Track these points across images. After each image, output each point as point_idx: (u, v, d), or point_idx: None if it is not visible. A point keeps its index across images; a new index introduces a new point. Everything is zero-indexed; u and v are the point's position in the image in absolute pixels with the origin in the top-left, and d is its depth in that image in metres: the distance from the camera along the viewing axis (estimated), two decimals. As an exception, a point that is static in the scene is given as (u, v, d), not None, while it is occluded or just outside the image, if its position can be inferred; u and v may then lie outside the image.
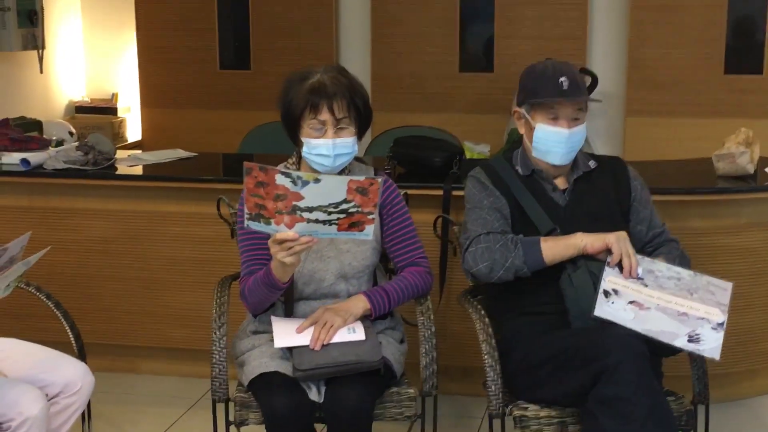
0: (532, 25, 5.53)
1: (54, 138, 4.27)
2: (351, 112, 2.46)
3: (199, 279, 3.58)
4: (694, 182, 3.46)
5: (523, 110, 2.61)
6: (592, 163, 2.65)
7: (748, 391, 3.50)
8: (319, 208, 2.17)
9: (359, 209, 2.18)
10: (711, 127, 5.16)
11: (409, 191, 2.90)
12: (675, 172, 3.72)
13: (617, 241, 2.39)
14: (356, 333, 2.42)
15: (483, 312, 2.52)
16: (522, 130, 2.66)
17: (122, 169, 3.72)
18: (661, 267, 2.41)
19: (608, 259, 2.39)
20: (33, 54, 5.83)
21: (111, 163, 3.73)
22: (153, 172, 3.75)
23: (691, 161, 3.86)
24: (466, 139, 5.30)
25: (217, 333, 2.53)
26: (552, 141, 2.53)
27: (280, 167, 2.55)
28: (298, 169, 2.57)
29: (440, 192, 3.28)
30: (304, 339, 2.39)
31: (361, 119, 2.50)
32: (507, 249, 2.46)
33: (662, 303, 2.33)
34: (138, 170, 3.75)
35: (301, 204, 2.15)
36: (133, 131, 6.38)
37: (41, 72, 5.92)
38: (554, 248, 2.44)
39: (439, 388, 2.53)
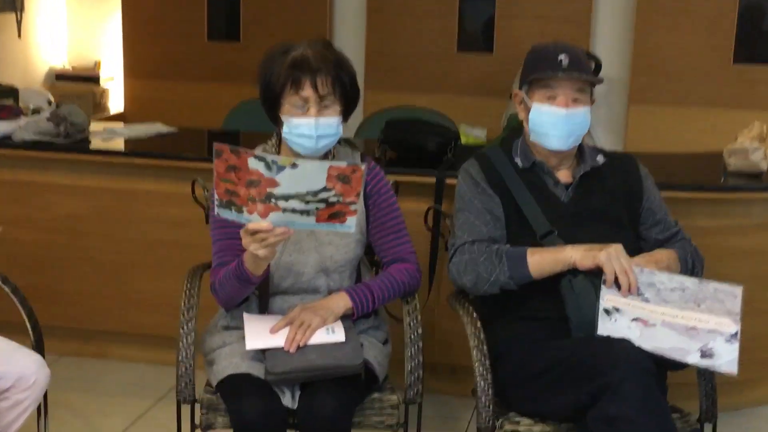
0: (535, 5, 5.39)
1: (31, 106, 4.10)
2: (336, 89, 2.26)
3: (174, 263, 3.41)
4: (702, 178, 3.30)
5: (522, 92, 2.41)
6: (600, 158, 2.45)
7: (751, 400, 3.33)
8: (296, 197, 1.97)
9: (340, 199, 1.99)
10: (718, 118, 5.06)
11: (401, 178, 2.72)
12: (682, 167, 3.53)
13: (609, 260, 2.17)
14: (336, 334, 2.23)
15: (475, 316, 2.33)
16: (522, 115, 2.46)
17: (96, 143, 3.55)
18: (662, 278, 2.20)
19: (603, 278, 2.19)
20: (11, 17, 5.67)
21: (84, 137, 3.56)
22: (129, 148, 3.59)
23: (699, 155, 3.68)
24: (462, 121, 5.13)
25: (185, 328, 2.35)
26: (548, 122, 2.33)
27: (257, 150, 2.36)
28: (278, 152, 2.37)
29: (433, 179, 3.09)
30: (278, 340, 2.20)
31: (347, 98, 2.30)
32: (491, 263, 2.29)
33: (668, 318, 2.15)
34: (113, 145, 3.58)
35: (277, 191, 1.96)
36: (116, 102, 6.25)
37: (19, 36, 5.78)
38: (542, 263, 2.26)
39: (425, 387, 2.35)
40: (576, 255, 2.22)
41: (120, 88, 6.13)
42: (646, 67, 5.19)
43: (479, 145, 5.06)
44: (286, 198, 1.97)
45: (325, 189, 1.96)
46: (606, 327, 2.14)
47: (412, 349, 2.32)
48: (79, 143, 3.49)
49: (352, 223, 2.04)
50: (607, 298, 2.17)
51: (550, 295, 2.26)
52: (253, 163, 1.93)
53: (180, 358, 2.32)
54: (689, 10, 5.10)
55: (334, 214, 2.01)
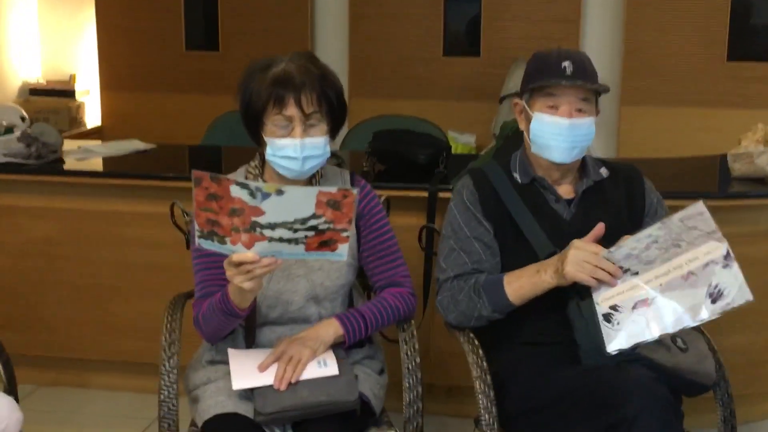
0: (522, 5, 5.24)
1: (3, 124, 3.94)
2: (322, 106, 2.11)
3: (154, 287, 3.28)
4: (705, 185, 3.16)
5: (523, 102, 2.26)
6: (604, 171, 2.31)
7: (764, 413, 3.20)
8: (282, 225, 1.82)
9: (331, 226, 1.84)
10: (712, 118, 4.92)
11: (391, 193, 2.58)
12: (682, 172, 3.38)
13: (576, 270, 2.03)
14: (328, 367, 2.08)
15: (477, 342, 2.18)
16: (522, 126, 2.31)
17: (69, 164, 3.40)
18: (632, 244, 2.05)
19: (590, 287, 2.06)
20: (-18, 31, 5.52)
21: (57, 157, 3.41)
22: (104, 168, 3.43)
23: (699, 159, 3.54)
24: (450, 128, 5.02)
25: (167, 364, 2.19)
26: (550, 133, 2.18)
27: (239, 173, 2.21)
28: (262, 174, 2.21)
29: (425, 194, 2.94)
30: (266, 378, 2.04)
31: (334, 115, 2.15)
32: (471, 299, 2.18)
33: (662, 280, 2.00)
34: (87, 165, 3.42)
35: (262, 220, 1.81)
36: (92, 116, 6.07)
37: (-10, 51, 5.64)
38: (520, 290, 2.14)
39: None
40: (551, 280, 2.09)
41: (96, 102, 5.97)
42: (638, 68, 5.06)
43: (470, 153, 4.94)
44: (273, 227, 1.82)
45: (314, 216, 1.81)
46: (611, 338, 2.00)
47: (411, 379, 2.16)
48: (52, 164, 3.35)
49: (344, 251, 1.89)
50: (602, 298, 2.05)
51: (555, 316, 2.12)
52: (236, 191, 1.78)
53: (162, 397, 2.16)
54: (681, 7, 4.97)
55: (324, 242, 1.86)
